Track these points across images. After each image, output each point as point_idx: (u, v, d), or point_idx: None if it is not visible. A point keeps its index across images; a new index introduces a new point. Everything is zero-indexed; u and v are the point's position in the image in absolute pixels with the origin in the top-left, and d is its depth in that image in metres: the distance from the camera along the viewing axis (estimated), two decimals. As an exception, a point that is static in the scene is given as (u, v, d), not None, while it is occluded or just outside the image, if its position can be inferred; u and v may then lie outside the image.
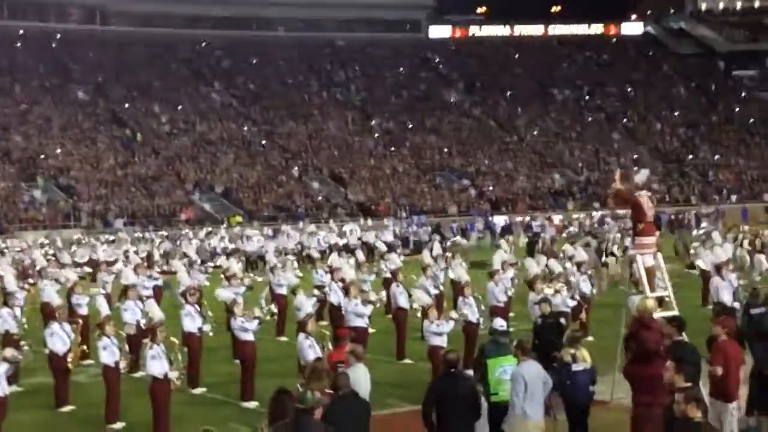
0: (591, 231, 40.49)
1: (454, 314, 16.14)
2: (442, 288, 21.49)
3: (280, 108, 67.59)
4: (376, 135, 66.60)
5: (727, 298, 17.56)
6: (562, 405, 11.48)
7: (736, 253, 27.56)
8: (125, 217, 51.10)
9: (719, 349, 10.76)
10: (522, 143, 68.29)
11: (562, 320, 14.82)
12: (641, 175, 15.92)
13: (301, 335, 13.79)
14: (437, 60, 79.26)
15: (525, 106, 72.83)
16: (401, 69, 76.17)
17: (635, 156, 64.82)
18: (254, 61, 72.89)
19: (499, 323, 11.88)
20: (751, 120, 73.57)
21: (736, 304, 17.20)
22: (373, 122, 68.38)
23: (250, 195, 55.89)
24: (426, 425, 10.02)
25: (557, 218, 50.09)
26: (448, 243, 36.99)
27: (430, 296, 18.18)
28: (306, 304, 17.77)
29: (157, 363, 12.90)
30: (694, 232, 34.10)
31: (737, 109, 75.32)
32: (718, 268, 19.34)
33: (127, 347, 14.89)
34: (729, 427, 10.50)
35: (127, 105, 64.22)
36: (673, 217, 52.64)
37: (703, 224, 39.30)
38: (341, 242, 39.25)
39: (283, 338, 19.87)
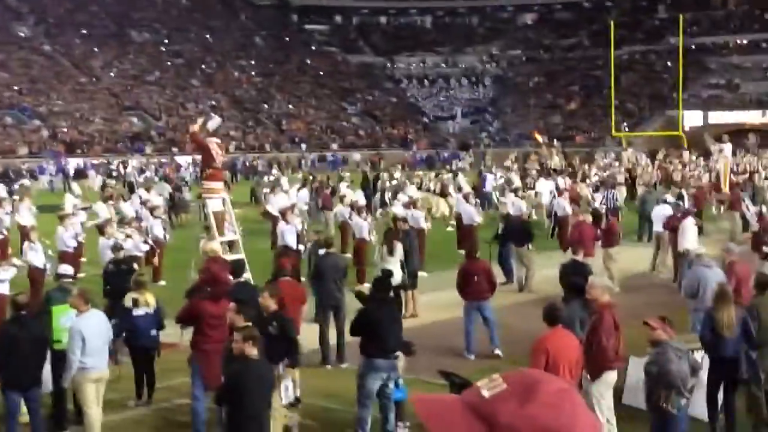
0: (166, 175, 40.57)
1: (17, 261, 15.48)
2: (6, 233, 20.45)
3: None
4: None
5: (291, 240, 18.55)
6: (127, 349, 11.51)
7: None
8: None
9: (279, 286, 11.40)
10: (98, 84, 66.17)
11: (135, 265, 14.75)
12: (213, 123, 16.63)
13: None
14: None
15: (101, 46, 70.57)
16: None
17: (213, 103, 65.78)
18: None
19: (65, 269, 11.57)
20: (321, 72, 77.68)
21: (301, 247, 18.27)
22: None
23: None
24: None
25: (134, 162, 49.40)
26: (15, 186, 35.07)
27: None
28: None
29: None
30: (266, 178, 35.54)
31: (309, 61, 79.07)
32: (284, 213, 20.36)
33: None
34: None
35: None
36: (247, 164, 54.31)
37: (273, 171, 40.98)
38: None
39: None
